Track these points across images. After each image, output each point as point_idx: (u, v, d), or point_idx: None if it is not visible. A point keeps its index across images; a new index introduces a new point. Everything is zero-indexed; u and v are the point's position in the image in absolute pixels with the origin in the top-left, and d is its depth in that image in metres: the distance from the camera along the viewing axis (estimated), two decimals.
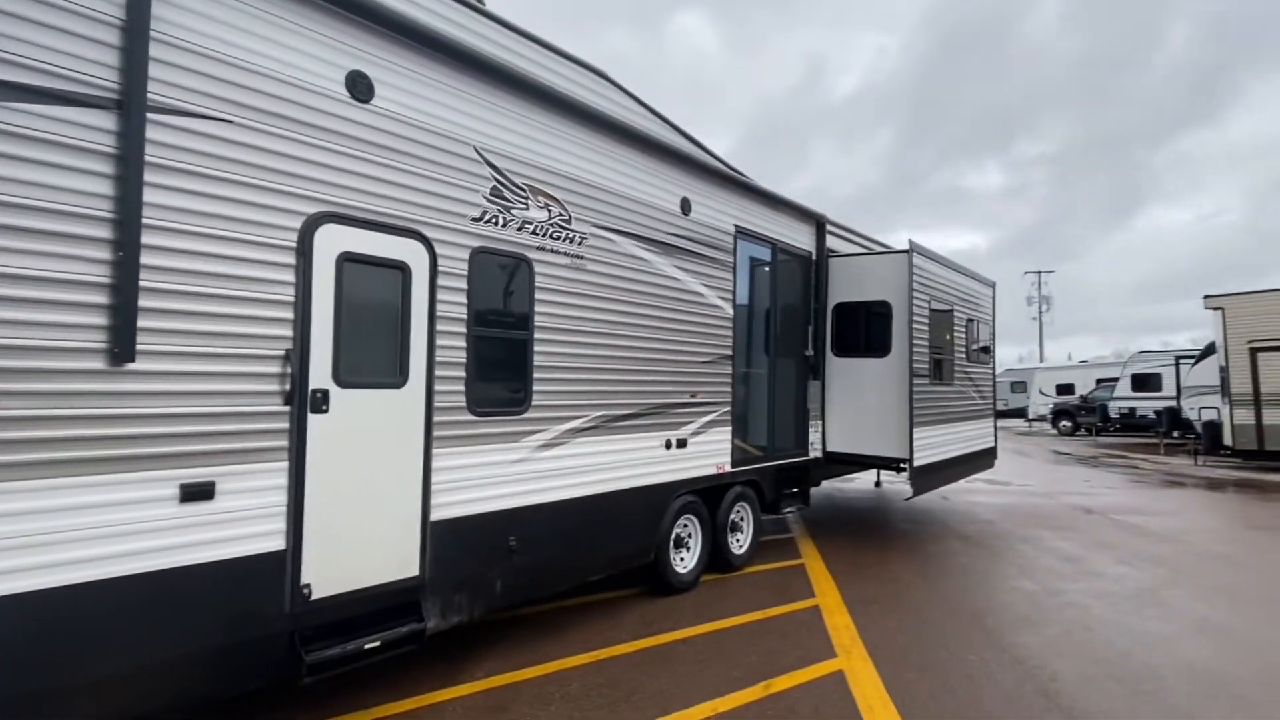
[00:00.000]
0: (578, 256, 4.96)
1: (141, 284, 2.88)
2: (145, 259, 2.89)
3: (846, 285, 8.24)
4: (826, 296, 8.17)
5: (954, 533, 9.00)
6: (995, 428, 10.99)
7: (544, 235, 4.70)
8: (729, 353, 6.54)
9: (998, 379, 10.92)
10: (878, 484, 13.36)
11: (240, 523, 3.21)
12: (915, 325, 7.73)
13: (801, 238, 7.85)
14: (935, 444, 8.29)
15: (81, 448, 2.76)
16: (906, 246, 7.80)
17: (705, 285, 6.25)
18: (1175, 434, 21.47)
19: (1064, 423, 28.41)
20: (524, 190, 4.57)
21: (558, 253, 4.80)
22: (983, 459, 10.30)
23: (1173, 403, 22.32)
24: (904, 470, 8.11)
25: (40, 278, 2.65)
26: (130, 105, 2.83)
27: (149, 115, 2.90)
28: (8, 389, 2.58)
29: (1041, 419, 31.66)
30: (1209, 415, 17.50)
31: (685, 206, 6.02)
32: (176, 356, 3.01)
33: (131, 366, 2.87)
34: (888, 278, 7.98)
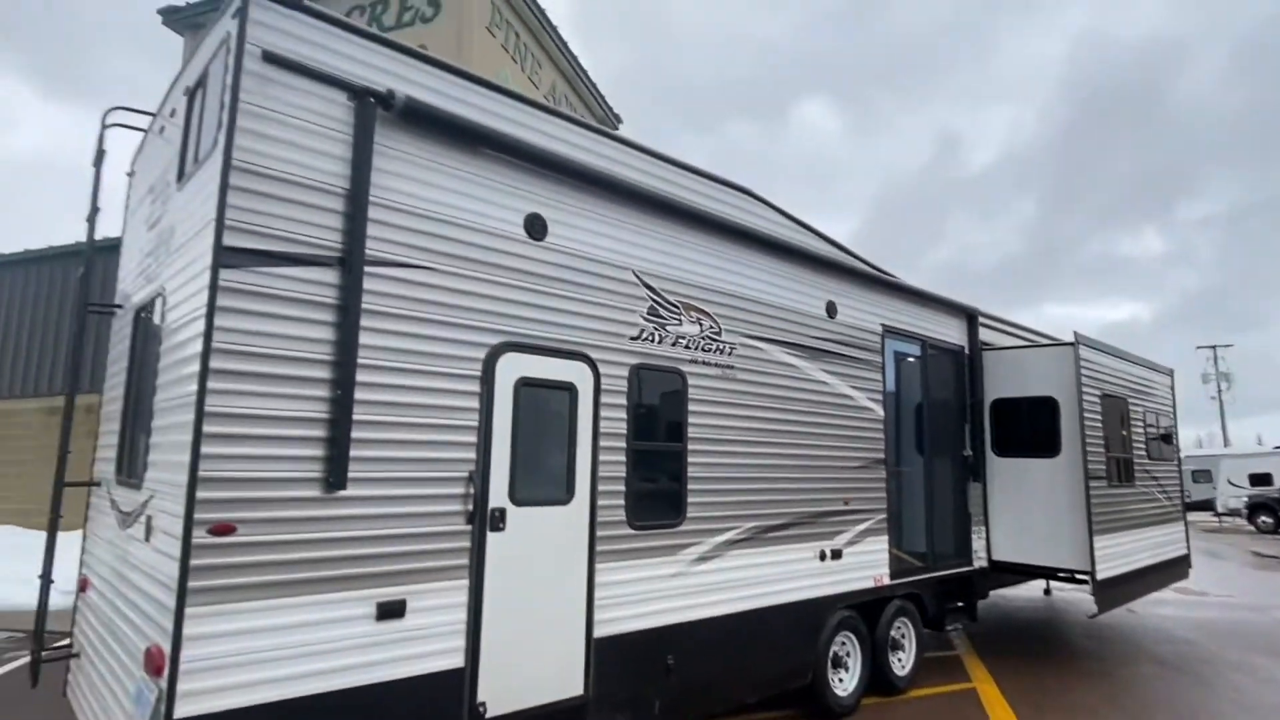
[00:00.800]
0: (728, 366, 5.03)
1: (354, 417, 3.20)
2: (357, 394, 3.22)
3: (1005, 380, 7.79)
4: (983, 393, 7.76)
5: (1147, 654, 7.96)
6: (1186, 531, 9.78)
7: (696, 348, 4.82)
8: (882, 456, 6.31)
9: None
10: (1047, 591, 12.13)
11: (426, 640, 3.37)
12: (1087, 422, 7.16)
13: (952, 332, 7.58)
14: (1119, 553, 7.49)
15: (299, 570, 3.03)
16: (1071, 339, 7.34)
17: (854, 387, 6.13)
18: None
19: (1263, 518, 24.82)
20: (677, 307, 4.74)
21: (709, 364, 4.90)
22: (1174, 568, 9.16)
23: None
24: (1080, 581, 7.36)
25: (271, 416, 3.00)
26: (351, 261, 3.23)
27: (366, 269, 3.29)
28: (245, 517, 2.90)
29: (1234, 513, 27.85)
30: None
31: (831, 310, 6.00)
32: (379, 482, 3.28)
33: (342, 493, 3.16)
34: (1052, 371, 7.49)
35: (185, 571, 2.75)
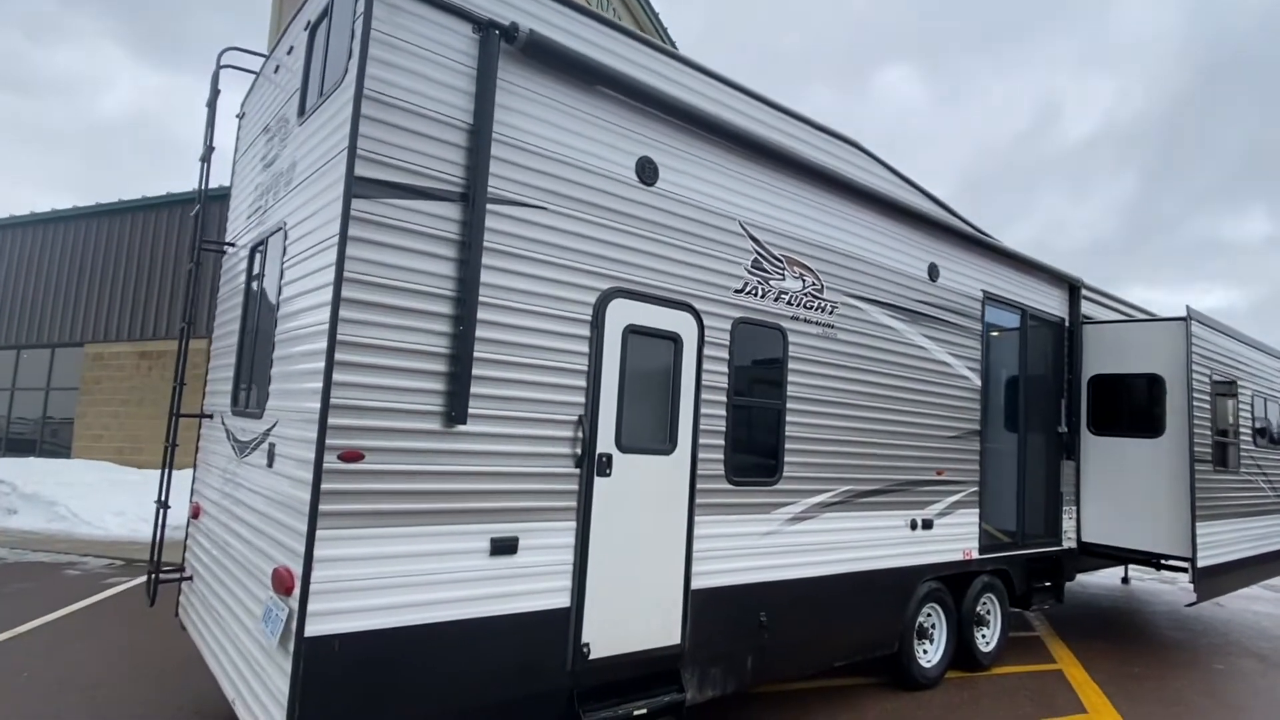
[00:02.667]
0: (829, 326, 4.88)
1: (475, 354, 3.20)
2: (478, 332, 3.21)
3: (1105, 355, 7.41)
4: (1081, 368, 7.40)
5: (1243, 649, 7.58)
6: None
7: (798, 305, 4.69)
8: (977, 427, 6.09)
9: None
10: (1125, 580, 11.68)
11: (535, 578, 3.40)
12: (1196, 403, 6.76)
13: (1053, 303, 7.22)
14: (1221, 542, 7.11)
15: (419, 500, 3.07)
16: (1183, 313, 6.91)
17: (952, 354, 5.90)
18: None
19: None
20: (781, 261, 4.60)
21: (810, 322, 4.76)
22: (1276, 563, 8.67)
23: None
24: (1176, 569, 7.04)
25: (397, 348, 3.02)
26: (475, 198, 3.20)
27: (488, 206, 3.26)
28: (372, 445, 2.94)
29: None
30: None
31: (933, 272, 5.76)
32: (495, 420, 3.29)
33: (462, 428, 3.17)
34: (1159, 348, 7.08)
35: (316, 495, 2.80)
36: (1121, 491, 7.14)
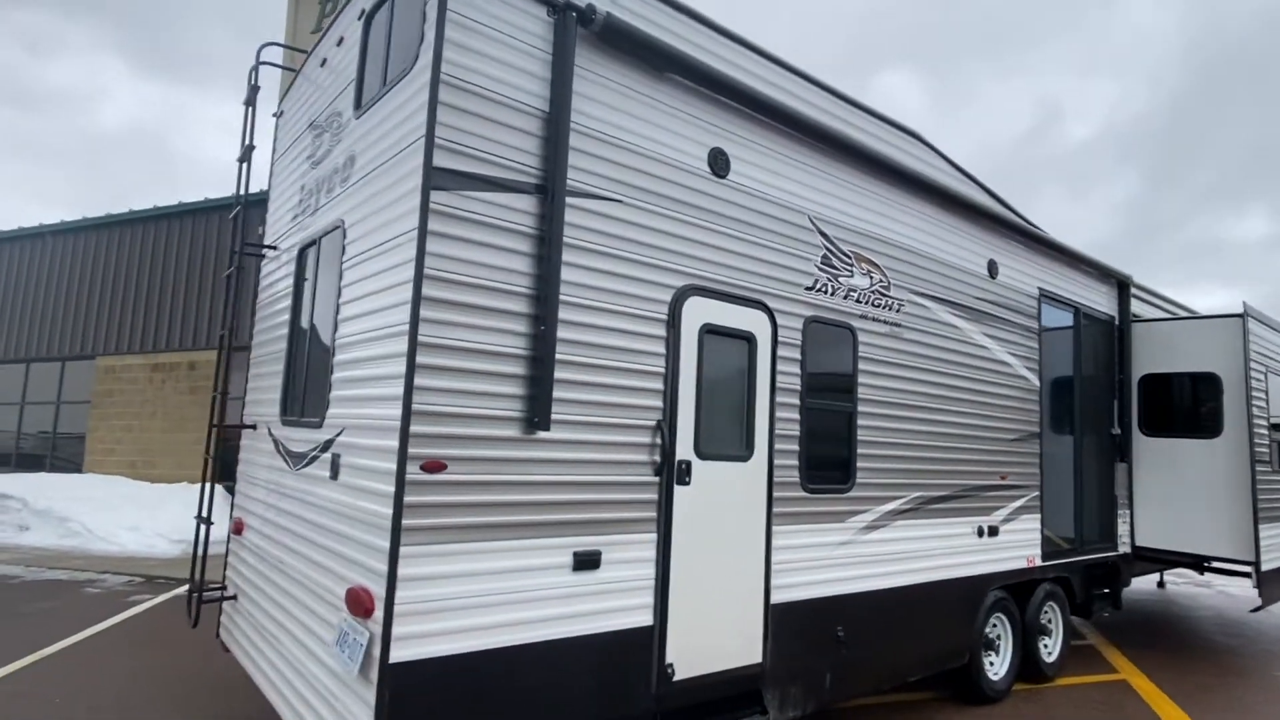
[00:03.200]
0: (896, 324, 4.68)
1: (556, 356, 2.99)
2: (559, 333, 3.01)
3: (1156, 354, 7.21)
4: (1131, 367, 7.20)
5: None
6: None
7: (866, 303, 4.49)
8: (1037, 430, 5.88)
9: None
10: (1161, 584, 11.43)
11: (618, 594, 3.18)
12: (1254, 402, 6.55)
13: (1102, 300, 7.02)
14: None
15: (502, 513, 2.86)
16: (1240, 310, 6.72)
17: (1012, 354, 5.70)
18: None
19: None
20: (849, 257, 4.40)
21: (878, 320, 4.56)
22: None
23: None
24: (1217, 571, 6.83)
25: (478, 350, 2.81)
26: (554, 190, 3.00)
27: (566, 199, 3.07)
28: (454, 455, 2.73)
29: None
30: None
31: (992, 269, 5.57)
32: (576, 426, 3.08)
33: (544, 435, 2.97)
34: (1214, 345, 6.87)
35: (399, 510, 2.59)
36: (1177, 494, 6.92)
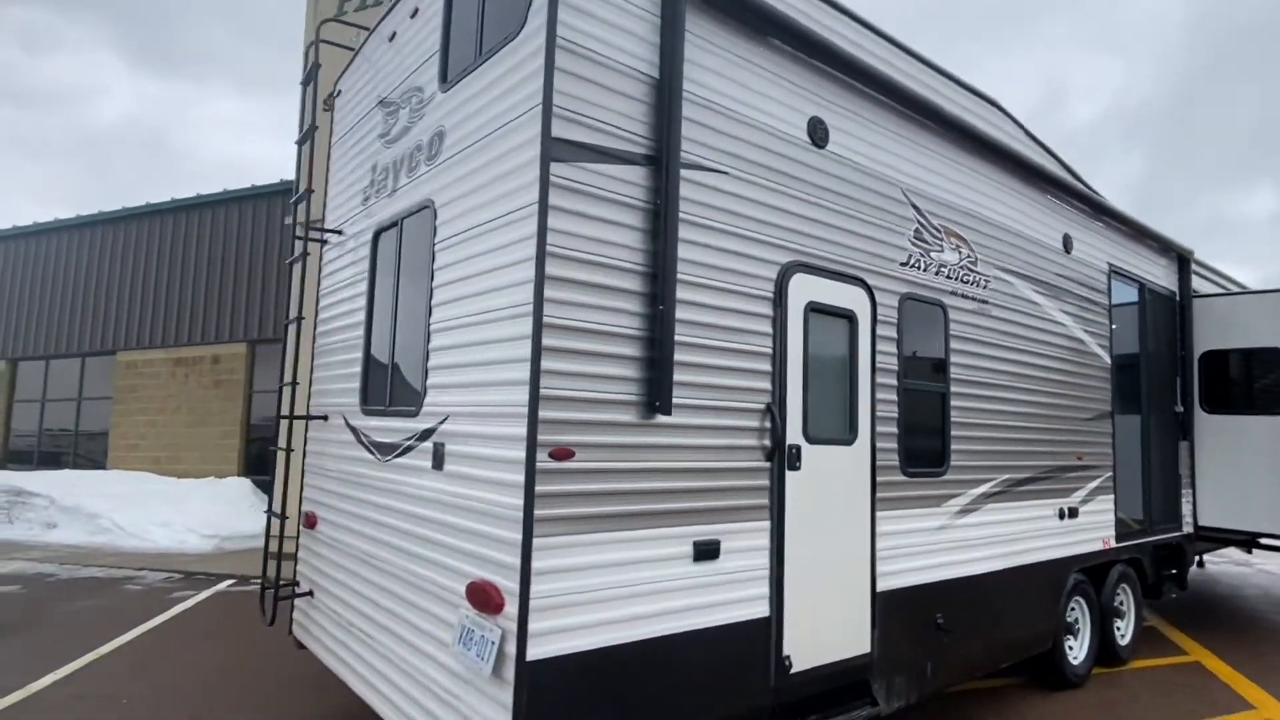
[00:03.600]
0: (984, 301, 4.53)
1: (675, 337, 2.84)
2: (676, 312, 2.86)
3: (1217, 330, 7.04)
4: (1192, 343, 7.03)
5: None
6: None
7: (955, 279, 4.33)
8: (1109, 409, 5.73)
9: None
10: (1200, 564, 11.31)
11: (736, 585, 3.05)
12: None
13: (1163, 275, 6.85)
14: None
15: (626, 501, 2.72)
16: None
17: (1086, 331, 5.54)
18: None
19: None
20: (940, 232, 4.24)
21: (967, 298, 4.40)
22: None
23: None
24: (1260, 548, 6.71)
25: (599, 330, 2.66)
26: (669, 162, 2.84)
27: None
28: (580, 441, 2.59)
29: None
30: None
31: (1067, 244, 5.40)
32: (693, 410, 2.94)
33: (665, 420, 2.82)
34: (1275, 321, 6.71)
35: (530, 500, 2.45)
36: (1240, 472, 6.77)
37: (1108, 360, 5.79)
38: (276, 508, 4.24)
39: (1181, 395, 6.88)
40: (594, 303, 2.66)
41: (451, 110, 3.25)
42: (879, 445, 3.74)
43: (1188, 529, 6.80)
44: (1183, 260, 7.09)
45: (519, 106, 2.72)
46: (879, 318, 3.80)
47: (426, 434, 3.15)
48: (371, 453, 3.65)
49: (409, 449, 3.29)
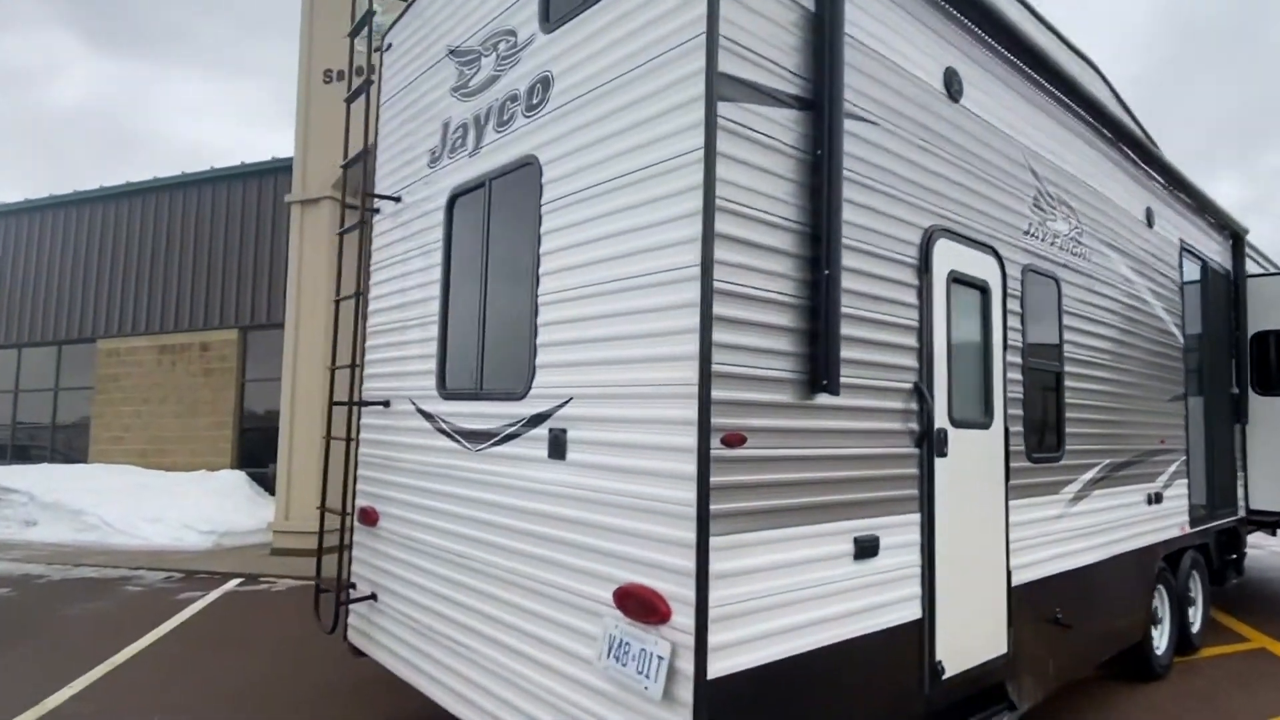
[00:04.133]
0: (1089, 275, 4.26)
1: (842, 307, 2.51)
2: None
3: (1268, 310, 6.90)
4: (1246, 324, 6.88)
5: None
6: None
7: (1067, 250, 4.05)
8: (1183, 390, 5.53)
9: None
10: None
11: (892, 585, 2.74)
12: None
13: (1219, 253, 6.67)
14: None
15: (789, 494, 2.38)
16: None
17: (1165, 309, 5.32)
18: None
19: None
20: (1053, 200, 3.95)
21: (1076, 271, 4.13)
22: None
23: None
24: None
25: (766, 298, 2.32)
26: (832, 110, 2.49)
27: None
28: (751, 425, 2.25)
29: None
30: None
31: (1150, 218, 5.16)
32: (854, 390, 2.61)
33: (827, 400, 2.49)
34: None
35: (705, 493, 2.10)
36: None
37: (1181, 340, 5.58)
38: (335, 503, 3.84)
39: (1236, 377, 6.72)
40: (759, 265, 2.32)
41: (561, 53, 2.86)
42: (1010, 429, 3.45)
43: (1241, 513, 6.66)
44: (1237, 238, 6.92)
45: (670, 39, 2.35)
46: (1008, 290, 3.50)
47: (538, 419, 2.78)
48: (456, 441, 3.27)
49: (511, 436, 2.92)
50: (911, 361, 2.91)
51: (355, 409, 3.89)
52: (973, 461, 3.18)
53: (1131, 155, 4.84)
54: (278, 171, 12.32)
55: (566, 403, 2.66)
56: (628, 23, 2.54)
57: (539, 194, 2.88)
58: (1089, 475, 4.12)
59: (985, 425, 3.28)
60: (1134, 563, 4.59)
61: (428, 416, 3.50)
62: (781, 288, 2.39)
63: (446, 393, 3.38)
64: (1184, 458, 5.46)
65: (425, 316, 3.62)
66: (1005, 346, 3.45)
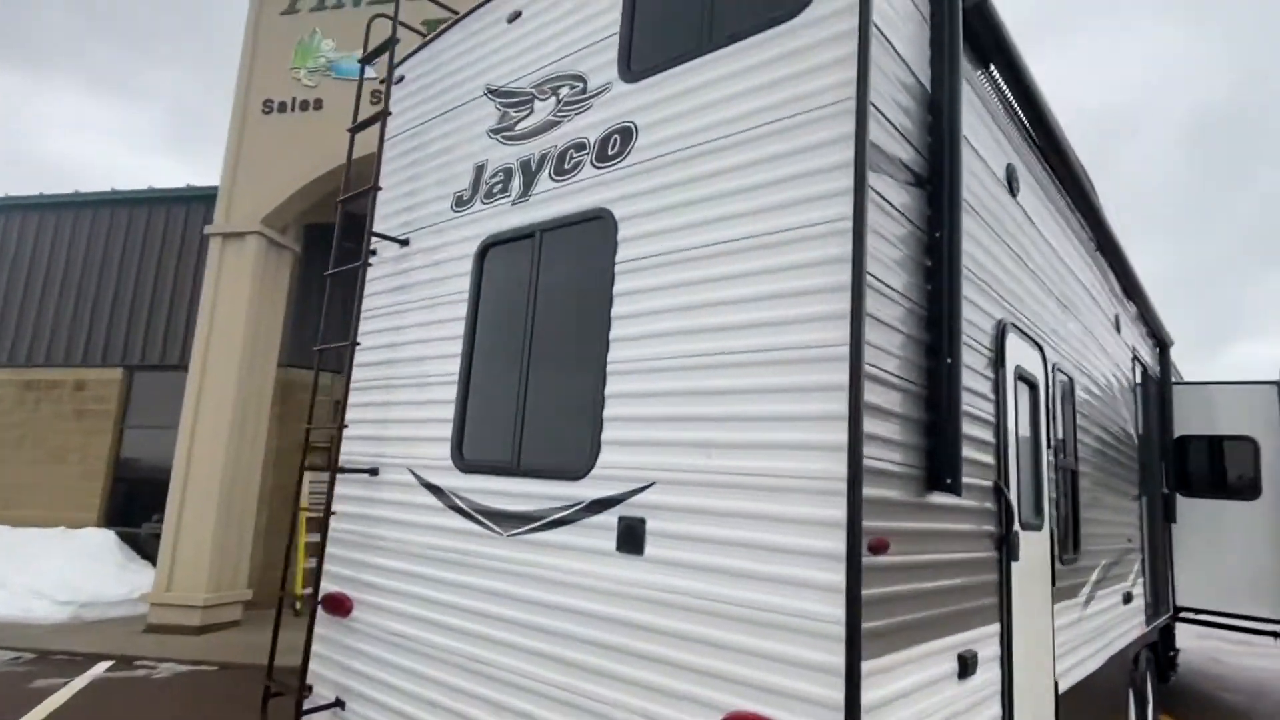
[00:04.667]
0: (1090, 376, 4.37)
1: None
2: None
3: (1191, 416, 7.41)
4: (1173, 428, 7.35)
5: None
6: None
7: (1077, 350, 4.13)
8: (1138, 490, 5.75)
9: None
10: None
11: (982, 707, 2.50)
12: None
13: (1152, 359, 7.15)
14: None
15: (913, 606, 2.13)
16: (1276, 377, 7.03)
17: (1127, 410, 5.56)
18: None
19: None
20: (1069, 301, 4.03)
21: (1082, 371, 4.21)
22: None
23: None
24: (1228, 628, 7.04)
25: (897, 384, 2.11)
26: (952, 183, 2.38)
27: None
28: (891, 528, 1.99)
29: None
30: None
31: (1118, 323, 5.43)
32: (966, 488, 2.41)
33: (937, 499, 2.28)
34: (1249, 411, 7.14)
35: (856, 608, 1.81)
36: (1218, 555, 7.05)
37: (1136, 440, 5.84)
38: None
39: (1166, 478, 7.11)
40: (895, 349, 2.12)
41: (649, 104, 2.63)
42: (1053, 529, 3.36)
43: (1172, 609, 6.94)
44: (1164, 346, 7.45)
45: (811, 99, 2.17)
46: (1049, 387, 3.48)
47: (603, 504, 2.42)
48: (478, 522, 2.82)
49: (562, 522, 2.53)
50: (991, 459, 2.77)
51: (305, 474, 3.34)
52: (1031, 565, 3.04)
53: (1111, 262, 5.09)
54: (189, 200, 11.37)
55: (646, 488, 2.32)
56: (742, 80, 2.36)
57: (612, 251, 2.60)
58: (1095, 575, 4.10)
59: (1039, 527, 3.17)
60: (1118, 664, 4.59)
61: (436, 491, 3.03)
62: (911, 375, 2.19)
63: (466, 464, 2.94)
64: (1141, 555, 5.62)
65: (438, 375, 3.18)
66: (1050, 445, 3.40)
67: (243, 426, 8.62)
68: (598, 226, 2.68)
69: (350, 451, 3.51)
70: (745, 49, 2.39)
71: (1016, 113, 3.33)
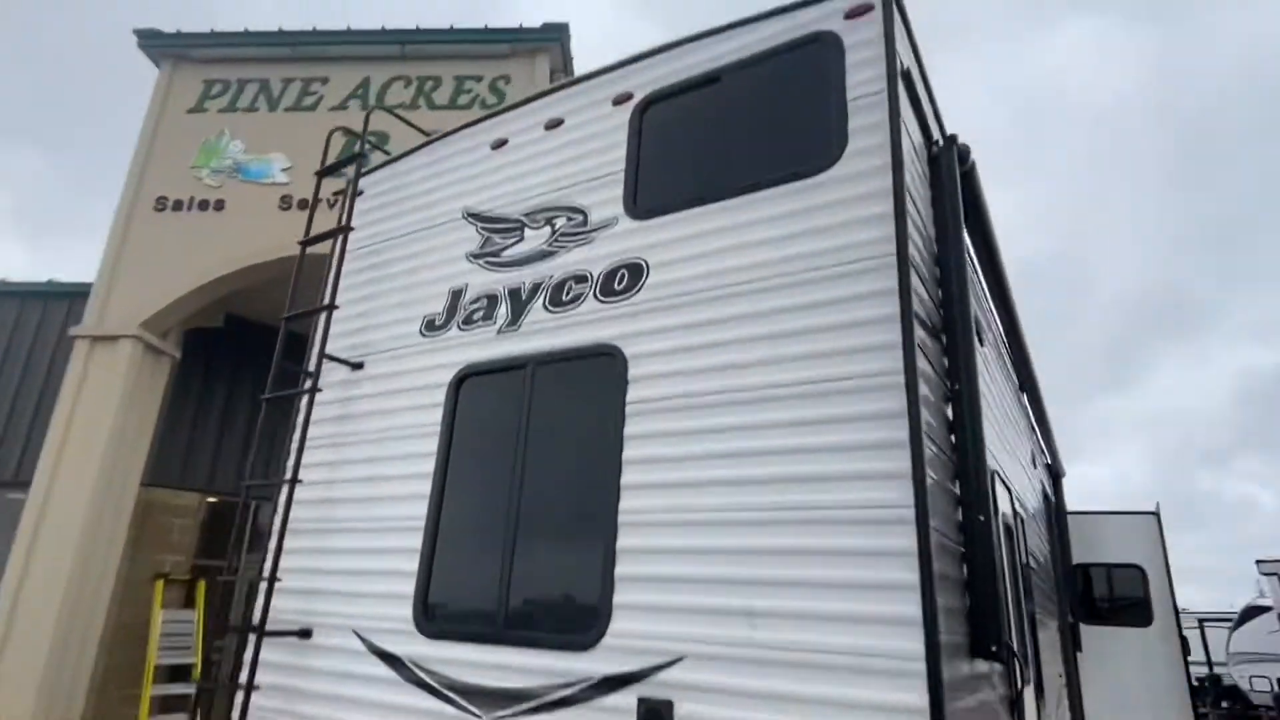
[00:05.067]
0: (1029, 512, 4.50)
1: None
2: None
3: (1085, 545, 7.85)
4: (1070, 557, 7.73)
5: None
6: None
7: (1018, 493, 4.27)
8: (1058, 620, 5.91)
9: None
10: None
11: None
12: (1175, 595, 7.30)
13: (1051, 490, 7.59)
14: None
15: None
16: (1154, 508, 7.63)
17: (1047, 542, 5.78)
18: (1224, 705, 20.28)
19: None
20: (1011, 443, 4.20)
21: (1025, 508, 4.34)
22: None
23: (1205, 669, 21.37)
24: None
25: (948, 548, 2.01)
26: (963, 331, 2.41)
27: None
28: (961, 709, 1.83)
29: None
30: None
31: (1034, 458, 5.73)
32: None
33: (981, 667, 2.15)
34: (1133, 539, 7.66)
35: None
36: (1117, 682, 7.30)
37: (1051, 570, 6.05)
38: None
39: (1070, 607, 7.40)
40: (943, 509, 2.04)
41: (660, 243, 2.56)
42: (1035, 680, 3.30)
43: None
44: (1058, 476, 7.95)
45: (847, 253, 2.17)
46: (1017, 530, 3.52)
47: (618, 682, 2.11)
48: (448, 701, 2.40)
49: (563, 702, 2.19)
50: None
51: (257, 636, 2.80)
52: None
53: (1030, 397, 5.42)
54: (46, 297, 10.22)
55: (674, 663, 2.05)
56: (766, 228, 2.34)
57: (622, 390, 2.43)
58: (1048, 709, 4.06)
59: (1029, 680, 3.10)
60: None
61: (392, 661, 2.59)
62: (954, 533, 2.11)
63: (433, 629, 2.54)
64: (1065, 688, 5.70)
65: (394, 519, 2.80)
66: (1018, 584, 3.40)
67: (89, 558, 7.40)
68: (605, 363, 2.51)
69: (281, 609, 2.97)
70: (767, 199, 2.38)
71: (975, 264, 3.53)
